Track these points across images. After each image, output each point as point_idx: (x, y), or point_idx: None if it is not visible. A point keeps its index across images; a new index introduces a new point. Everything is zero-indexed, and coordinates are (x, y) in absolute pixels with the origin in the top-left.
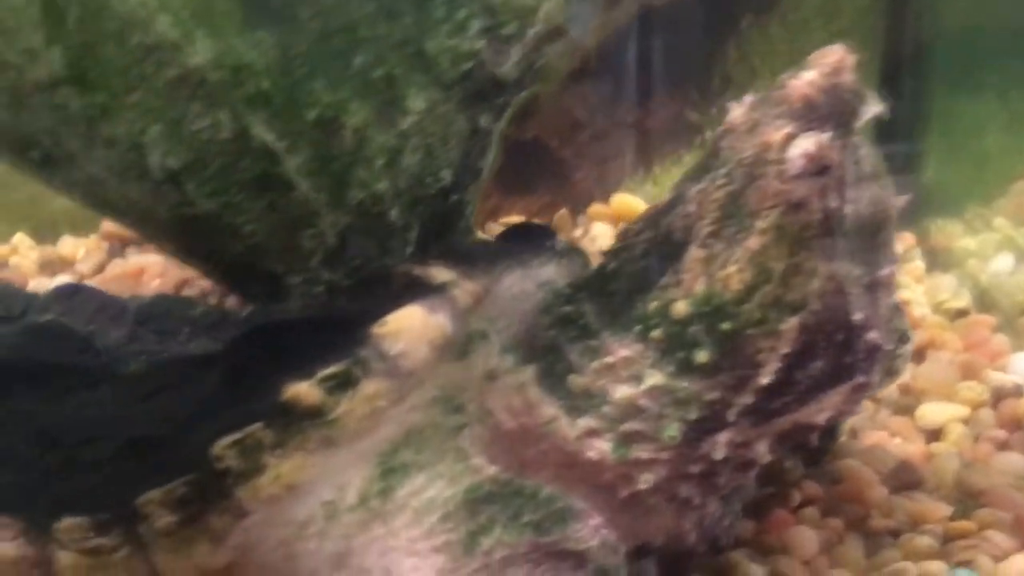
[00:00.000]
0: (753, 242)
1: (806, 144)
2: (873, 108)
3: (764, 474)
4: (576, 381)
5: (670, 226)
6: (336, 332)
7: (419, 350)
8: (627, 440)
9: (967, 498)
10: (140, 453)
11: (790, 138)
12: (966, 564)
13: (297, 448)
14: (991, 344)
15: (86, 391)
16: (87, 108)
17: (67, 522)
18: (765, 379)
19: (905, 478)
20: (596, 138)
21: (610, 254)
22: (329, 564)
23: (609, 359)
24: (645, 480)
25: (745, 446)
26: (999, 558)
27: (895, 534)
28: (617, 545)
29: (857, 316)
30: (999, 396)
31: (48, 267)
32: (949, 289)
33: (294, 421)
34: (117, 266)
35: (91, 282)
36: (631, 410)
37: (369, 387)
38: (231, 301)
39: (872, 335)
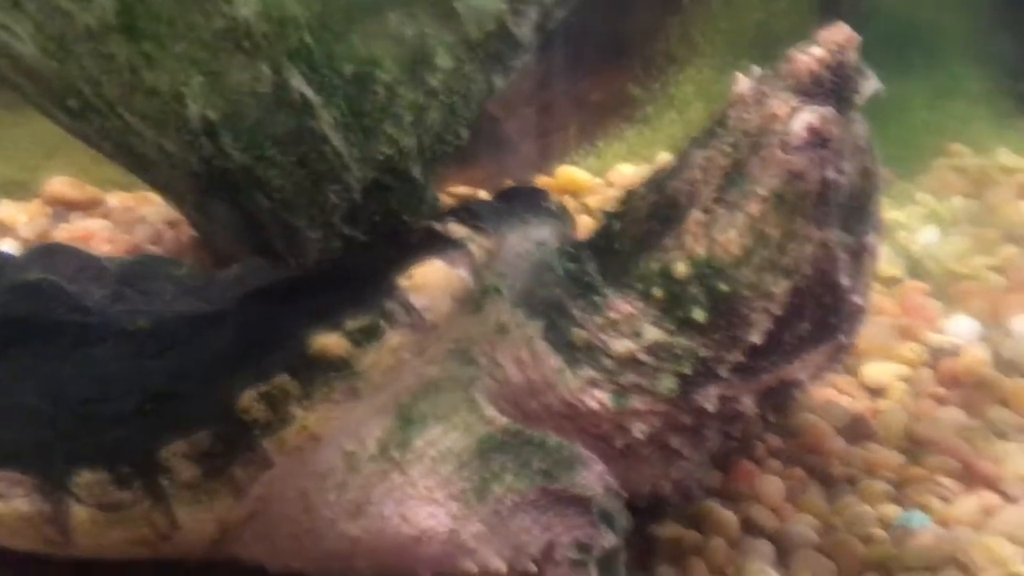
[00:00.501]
0: (753, 208)
1: (810, 117)
2: (873, 85)
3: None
4: (579, 335)
5: (674, 190)
6: (349, 287)
7: (442, 304)
8: (625, 392)
9: (916, 448)
10: (161, 407)
11: (795, 111)
12: (919, 507)
13: (323, 399)
14: (925, 309)
15: (90, 348)
16: (133, 56)
17: (85, 476)
18: (756, 338)
19: (859, 430)
20: (541, 111)
21: (614, 215)
22: (347, 514)
23: (611, 315)
24: (640, 430)
25: (734, 400)
26: (948, 500)
27: (852, 481)
28: (619, 490)
29: (844, 280)
30: (937, 356)
31: None
32: (883, 258)
33: (320, 373)
34: (63, 231)
35: None
36: (630, 363)
37: (394, 339)
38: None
39: (856, 298)
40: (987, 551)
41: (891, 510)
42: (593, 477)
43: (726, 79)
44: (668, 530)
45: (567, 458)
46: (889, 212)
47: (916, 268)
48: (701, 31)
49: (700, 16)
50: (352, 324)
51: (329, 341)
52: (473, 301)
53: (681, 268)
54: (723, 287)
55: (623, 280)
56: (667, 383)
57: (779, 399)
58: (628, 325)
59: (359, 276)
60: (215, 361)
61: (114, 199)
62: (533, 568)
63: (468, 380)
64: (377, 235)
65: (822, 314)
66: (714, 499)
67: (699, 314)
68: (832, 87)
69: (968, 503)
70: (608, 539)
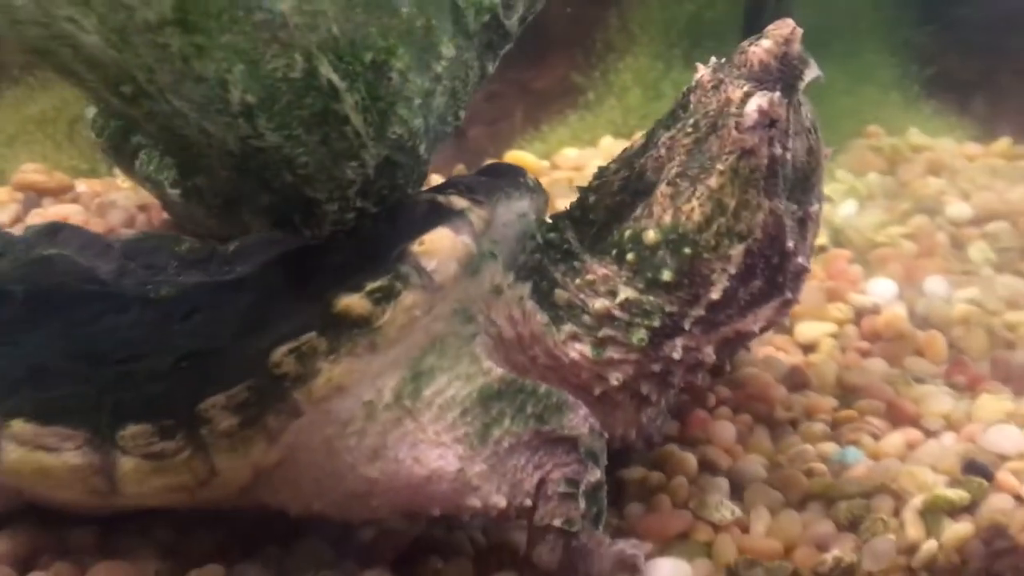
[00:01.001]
0: (712, 181)
1: (760, 101)
2: (814, 72)
3: (684, 384)
4: (561, 295)
5: (642, 166)
6: (363, 253)
7: (449, 267)
8: (603, 343)
9: (847, 393)
10: (195, 365)
11: (747, 95)
12: (852, 443)
13: (347, 354)
14: (849, 273)
15: (116, 315)
16: (185, 47)
17: (131, 429)
18: (715, 295)
19: (796, 380)
20: (489, 98)
21: (589, 190)
22: (366, 457)
23: (589, 277)
24: (616, 378)
25: (696, 350)
26: (878, 437)
27: (794, 424)
28: (601, 431)
29: (790, 244)
30: (860, 314)
31: None
32: None
33: (344, 330)
34: (37, 216)
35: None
36: (606, 319)
37: (408, 299)
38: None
39: (800, 260)
40: (913, 478)
41: (829, 447)
42: (579, 419)
43: (661, 66)
44: (635, 473)
45: (556, 403)
46: None
47: (839, 237)
48: (638, 22)
49: (636, 8)
50: (371, 285)
51: (352, 301)
52: (473, 265)
53: (651, 235)
54: (687, 250)
55: (598, 247)
56: (639, 335)
57: (735, 350)
58: (604, 285)
59: (370, 244)
60: (241, 323)
61: (82, 185)
62: (528, 502)
63: (469, 336)
64: (383, 207)
65: (771, 273)
66: (674, 444)
67: (667, 275)
68: (779, 74)
69: (894, 439)
70: (593, 474)
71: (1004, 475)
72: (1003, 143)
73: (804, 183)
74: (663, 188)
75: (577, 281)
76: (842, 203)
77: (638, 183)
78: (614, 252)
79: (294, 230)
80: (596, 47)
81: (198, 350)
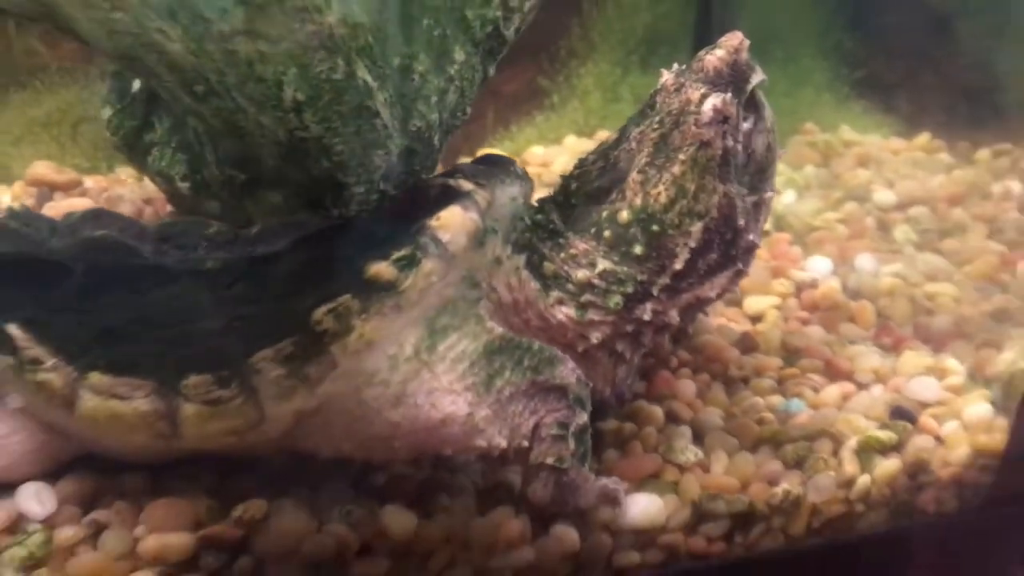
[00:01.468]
0: (675, 169)
1: (715, 101)
2: (759, 76)
3: (649, 350)
4: (548, 267)
5: (616, 157)
6: (382, 230)
7: (460, 239)
8: (585, 307)
9: (790, 355)
10: (245, 325)
11: (704, 96)
12: (796, 396)
13: (376, 313)
14: (790, 254)
15: (168, 285)
16: (251, 53)
17: (193, 379)
18: (678, 265)
19: (747, 344)
20: None
21: (571, 178)
22: (390, 404)
23: (572, 251)
24: (596, 337)
25: (663, 312)
26: (817, 390)
27: (745, 381)
28: (587, 381)
29: (741, 222)
30: (800, 288)
31: None
32: None
33: (374, 292)
34: (51, 209)
35: None
36: (587, 287)
37: (427, 266)
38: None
39: (750, 236)
40: (848, 424)
41: (776, 400)
42: (567, 371)
43: (619, 72)
44: (610, 425)
45: (548, 357)
46: None
47: (781, 223)
48: (598, 31)
49: (597, 18)
50: (397, 254)
51: (381, 268)
52: (479, 238)
53: (624, 215)
54: (655, 228)
55: (579, 226)
56: (615, 300)
57: (695, 314)
58: (585, 258)
59: (392, 221)
60: (281, 289)
61: (90, 181)
62: (525, 443)
63: (475, 300)
64: (401, 190)
65: (726, 247)
66: (643, 400)
67: (638, 249)
68: (730, 78)
69: (831, 391)
70: (580, 417)
71: (925, 419)
72: (923, 138)
73: (762, 173)
74: (634, 175)
75: (562, 255)
76: (782, 193)
77: (613, 172)
78: (593, 230)
79: (324, 211)
80: (560, 54)
81: (245, 312)
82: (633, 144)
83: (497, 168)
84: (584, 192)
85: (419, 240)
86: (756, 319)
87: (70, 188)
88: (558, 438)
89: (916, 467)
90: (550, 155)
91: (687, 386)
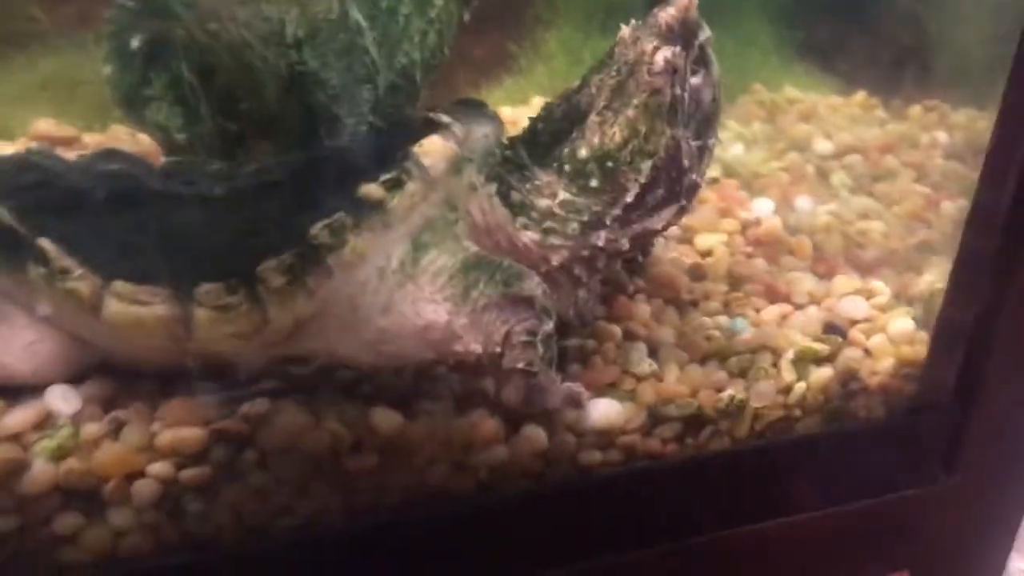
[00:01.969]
0: (629, 113)
1: (665, 53)
2: (706, 33)
3: (607, 279)
4: (516, 196)
5: (578, 101)
6: (372, 156)
7: (440, 164)
8: (547, 233)
9: (735, 282)
10: (251, 239)
11: (656, 49)
12: (740, 316)
13: (367, 229)
14: (737, 197)
15: (181, 209)
16: None
17: (205, 287)
18: (629, 198)
19: (697, 273)
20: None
21: (538, 118)
22: (379, 311)
23: (536, 183)
24: (556, 260)
25: (615, 240)
26: (759, 311)
27: (695, 304)
28: (550, 293)
29: (686, 163)
30: (746, 227)
31: None
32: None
33: (365, 210)
34: None
35: None
36: (549, 215)
37: (411, 187)
38: None
39: (694, 176)
40: (786, 339)
41: (722, 320)
42: (534, 285)
43: (581, 36)
44: (573, 342)
45: (516, 273)
46: None
47: (729, 171)
48: None
49: None
50: (385, 177)
51: (371, 188)
52: (456, 166)
53: (583, 152)
54: (609, 164)
55: (544, 161)
56: (573, 227)
57: (643, 243)
58: (548, 189)
59: (380, 149)
60: (282, 210)
61: (87, 137)
62: (498, 350)
63: (453, 220)
64: (388, 122)
65: (671, 184)
66: (603, 321)
67: (594, 182)
68: (680, 33)
69: (771, 311)
70: (547, 325)
71: (855, 334)
72: (860, 96)
73: (708, 122)
74: (593, 117)
75: (527, 186)
76: (731, 146)
77: (575, 114)
78: (555, 165)
79: (318, 142)
80: (526, 20)
81: (251, 229)
82: (593, 90)
83: (472, 109)
84: (549, 132)
85: (404, 164)
86: (706, 254)
87: (71, 143)
88: (527, 344)
89: (847, 375)
90: (518, 115)
91: (643, 309)
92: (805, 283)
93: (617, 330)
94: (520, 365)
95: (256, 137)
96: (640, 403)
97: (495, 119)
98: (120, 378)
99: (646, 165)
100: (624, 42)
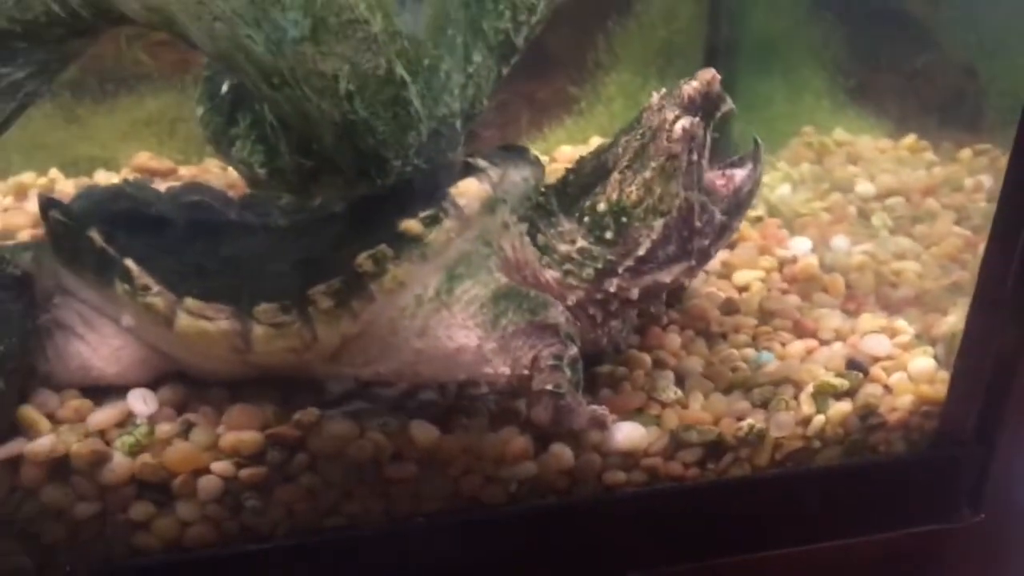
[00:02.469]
0: (647, 174)
1: (684, 123)
2: (728, 106)
3: (643, 311)
4: (541, 239)
5: (606, 159)
6: (418, 195)
7: (474, 204)
8: (566, 274)
9: (765, 316)
10: (306, 267)
11: (677, 118)
12: (766, 349)
13: (406, 260)
14: (777, 235)
15: (249, 237)
16: (315, 53)
17: (263, 307)
18: (641, 252)
19: (729, 307)
20: (500, 107)
21: (571, 171)
22: (416, 335)
23: (560, 229)
24: (572, 298)
25: (626, 289)
26: (785, 344)
27: (724, 336)
28: (574, 322)
29: (697, 224)
30: (783, 264)
31: None
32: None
33: (405, 243)
34: None
35: None
36: (568, 259)
37: (447, 224)
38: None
39: (705, 242)
40: (809, 373)
41: (749, 352)
42: (558, 313)
43: (640, 81)
44: (605, 369)
45: (542, 302)
46: None
47: (773, 210)
48: (621, 45)
49: (620, 33)
50: (423, 214)
51: (411, 224)
52: (490, 206)
53: (602, 206)
54: (624, 219)
55: (570, 210)
56: (588, 271)
57: (654, 294)
58: (569, 236)
59: (422, 190)
60: (334, 241)
61: (183, 170)
62: (526, 372)
63: (486, 255)
64: (432, 165)
65: (682, 243)
66: (635, 350)
67: (610, 234)
68: (701, 105)
69: (797, 346)
70: (572, 350)
71: (876, 371)
72: (910, 139)
73: (738, 208)
74: (615, 175)
75: (552, 231)
76: (779, 186)
77: (601, 170)
78: (578, 215)
79: (371, 180)
80: (587, 65)
81: (307, 258)
82: (620, 149)
83: (513, 153)
84: (578, 184)
85: (442, 204)
86: (743, 289)
87: (168, 175)
88: (555, 368)
89: (866, 410)
90: (577, 153)
91: (673, 339)
92: (833, 320)
93: (647, 359)
94: (548, 387)
95: (328, 173)
96: (663, 427)
97: (536, 163)
98: (191, 385)
99: (658, 223)
100: (651, 108)
